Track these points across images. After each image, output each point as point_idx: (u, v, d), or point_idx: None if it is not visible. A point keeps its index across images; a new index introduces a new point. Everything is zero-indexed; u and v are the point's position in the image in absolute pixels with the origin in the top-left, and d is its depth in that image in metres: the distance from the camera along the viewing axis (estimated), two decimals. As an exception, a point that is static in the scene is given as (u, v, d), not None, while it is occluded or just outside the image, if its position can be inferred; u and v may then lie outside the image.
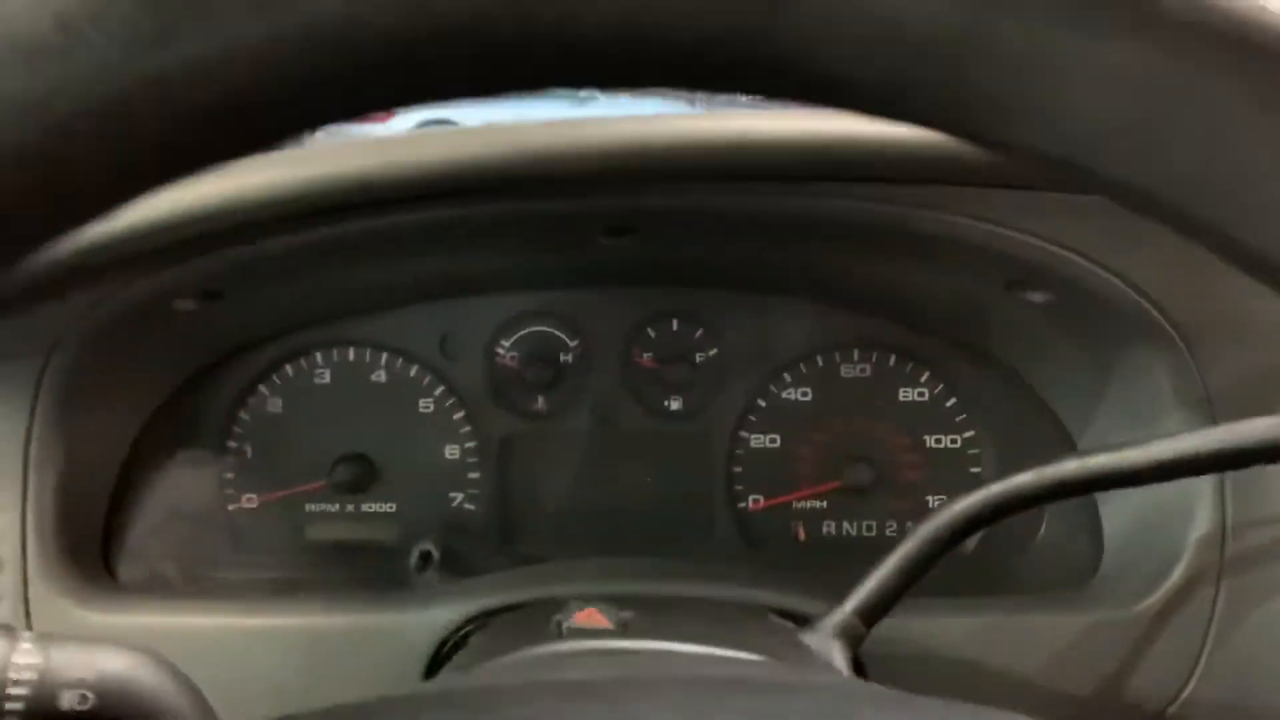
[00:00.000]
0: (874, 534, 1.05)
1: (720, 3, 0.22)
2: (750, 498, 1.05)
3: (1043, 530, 1.01)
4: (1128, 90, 0.23)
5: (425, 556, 0.93)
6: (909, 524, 1.05)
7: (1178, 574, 0.85)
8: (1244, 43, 0.22)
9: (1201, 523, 0.84)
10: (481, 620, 0.83)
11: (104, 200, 0.22)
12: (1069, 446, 0.98)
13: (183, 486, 1.01)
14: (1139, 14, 0.22)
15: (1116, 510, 0.93)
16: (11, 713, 0.55)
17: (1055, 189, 0.78)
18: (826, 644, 0.72)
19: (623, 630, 0.68)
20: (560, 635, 0.68)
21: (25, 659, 0.55)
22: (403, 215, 0.73)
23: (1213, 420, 0.83)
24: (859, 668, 0.77)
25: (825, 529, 1.05)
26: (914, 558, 0.73)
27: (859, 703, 0.44)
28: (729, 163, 0.72)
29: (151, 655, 0.60)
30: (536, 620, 0.73)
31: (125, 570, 0.95)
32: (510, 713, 0.38)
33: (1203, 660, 0.84)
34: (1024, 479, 0.73)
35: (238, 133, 0.22)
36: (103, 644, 0.58)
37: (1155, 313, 0.81)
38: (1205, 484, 0.85)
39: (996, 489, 0.73)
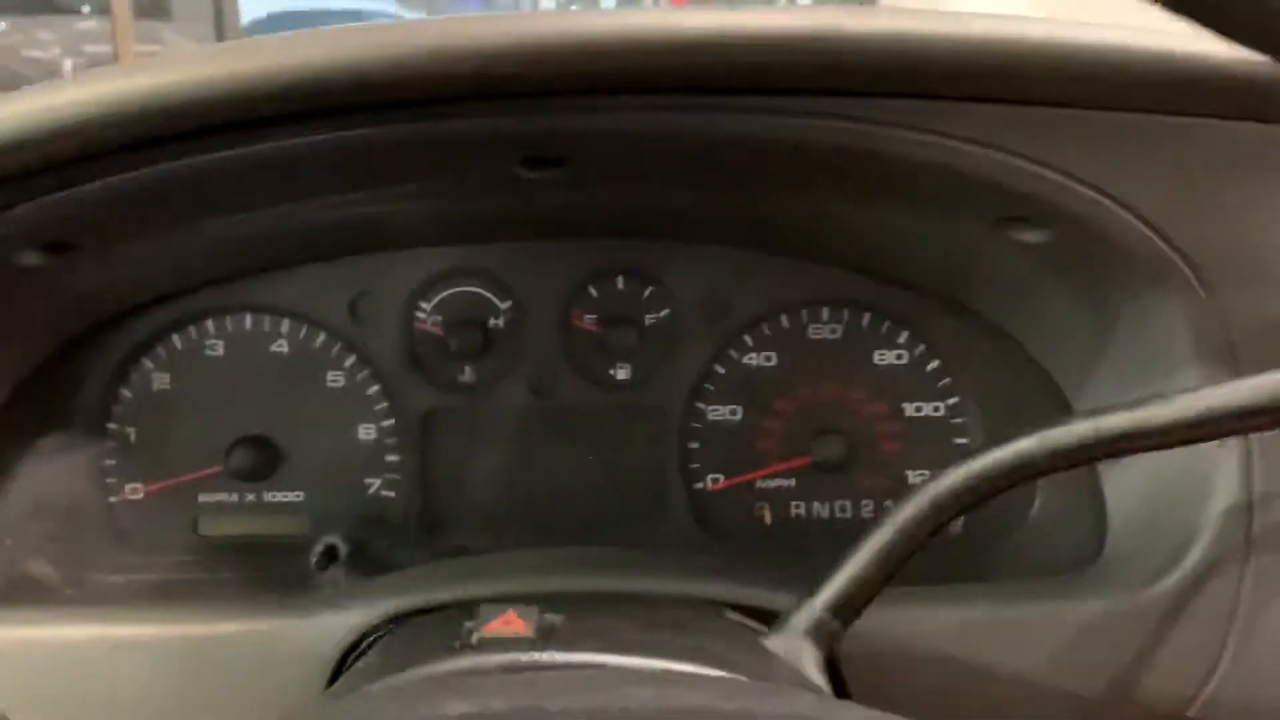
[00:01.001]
0: (848, 515, 0.94)
1: None
2: (708, 477, 0.93)
3: (1037, 505, 0.90)
4: None
5: (329, 553, 0.81)
6: (887, 503, 0.94)
7: (1196, 554, 0.74)
8: None
9: (1223, 494, 0.73)
10: (390, 626, 0.71)
11: None
12: (1065, 411, 0.87)
13: (53, 476, 0.88)
14: None
15: (1122, 481, 0.82)
16: None
17: (1055, 103, 0.66)
18: (795, 647, 0.60)
19: (545, 638, 0.56)
20: (471, 646, 0.56)
21: None
22: (262, 142, 0.60)
23: (1237, 375, 0.72)
24: (833, 671, 0.65)
25: (794, 510, 0.94)
26: (895, 542, 0.62)
27: None
28: (663, 66, 0.59)
29: None
30: (447, 628, 0.61)
31: (-23, 575, 0.82)
32: None
33: (1227, 653, 0.73)
34: (1025, 444, 0.61)
35: None
36: None
37: (1171, 251, 0.70)
38: (1226, 449, 0.74)
39: (991, 458, 0.62)
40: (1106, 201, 0.69)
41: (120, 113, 0.57)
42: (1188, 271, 0.71)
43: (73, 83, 0.58)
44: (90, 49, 3.65)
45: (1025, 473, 0.62)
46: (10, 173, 0.61)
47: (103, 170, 0.61)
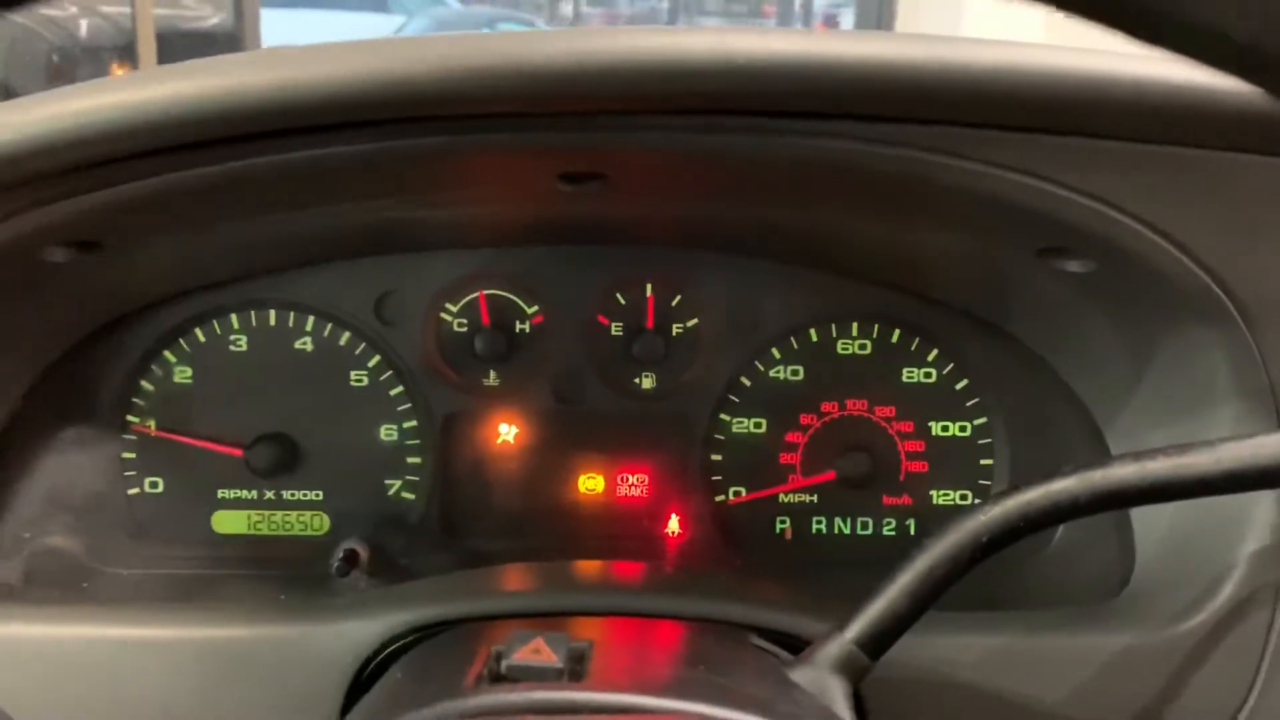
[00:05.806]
0: (869, 532, 0.93)
1: None
2: (731, 490, 0.92)
3: (1060, 532, 0.89)
4: None
5: (350, 557, 0.80)
6: (909, 522, 0.94)
7: (1227, 591, 0.73)
8: None
9: (1259, 533, 0.73)
10: (411, 638, 0.70)
11: None
12: (1094, 439, 0.86)
13: (73, 468, 0.87)
14: None
15: (1151, 513, 0.81)
16: None
17: (1104, 136, 0.65)
18: (823, 681, 0.59)
19: (574, 667, 0.55)
20: (499, 674, 0.55)
21: None
22: (302, 150, 0.59)
23: (1276, 414, 0.71)
24: (858, 700, 0.65)
25: (815, 526, 0.93)
26: (929, 578, 0.61)
27: None
28: (713, 89, 0.58)
29: None
30: (472, 649, 0.60)
31: (-5, 569, 0.81)
32: None
33: (1254, 693, 0.72)
34: (1066, 485, 0.60)
35: None
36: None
37: (1216, 288, 0.69)
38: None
39: (1029, 496, 0.61)
40: (1153, 235, 0.68)
41: (162, 117, 0.55)
42: (1233, 309, 0.69)
43: (117, 85, 0.57)
44: (107, 9, 3.59)
45: (1064, 513, 0.61)
46: (47, 171, 0.60)
47: (139, 173, 0.60)
